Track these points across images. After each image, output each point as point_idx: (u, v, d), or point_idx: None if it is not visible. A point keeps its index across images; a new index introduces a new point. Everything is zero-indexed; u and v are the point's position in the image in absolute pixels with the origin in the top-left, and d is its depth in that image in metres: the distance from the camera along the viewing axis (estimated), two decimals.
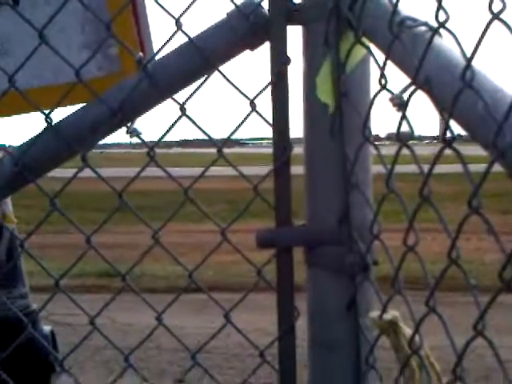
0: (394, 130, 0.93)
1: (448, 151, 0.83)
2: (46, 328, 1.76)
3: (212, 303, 1.31)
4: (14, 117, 1.45)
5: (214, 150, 1.22)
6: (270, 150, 1.19)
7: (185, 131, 1.22)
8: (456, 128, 0.84)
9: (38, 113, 1.24)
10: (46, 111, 1.22)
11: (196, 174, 1.29)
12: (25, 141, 1.26)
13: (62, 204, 1.27)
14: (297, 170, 1.17)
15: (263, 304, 5.53)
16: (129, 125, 1.23)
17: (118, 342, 1.40)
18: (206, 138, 1.23)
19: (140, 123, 1.26)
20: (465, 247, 9.06)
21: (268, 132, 1.16)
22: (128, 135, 1.24)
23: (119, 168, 18.03)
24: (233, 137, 1.26)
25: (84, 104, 1.25)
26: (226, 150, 1.24)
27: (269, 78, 1.15)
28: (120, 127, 1.23)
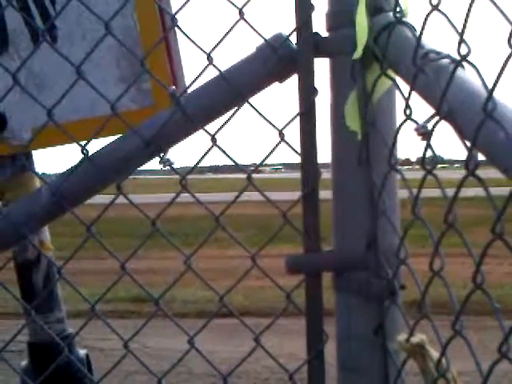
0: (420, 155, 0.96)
1: None
2: (81, 352, 1.79)
3: (242, 328, 1.34)
4: (53, 148, 1.51)
5: (244, 176, 1.26)
6: (291, 175, 1.22)
7: (217, 158, 1.26)
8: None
9: (75, 144, 1.29)
10: (83, 143, 1.27)
11: (227, 199, 1.31)
12: (62, 171, 1.31)
13: (94, 230, 1.31)
14: (324, 194, 1.21)
15: (291, 329, 5.52)
16: (162, 155, 1.27)
17: (149, 366, 1.43)
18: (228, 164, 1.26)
19: (172, 153, 1.30)
20: (497, 271, 8.96)
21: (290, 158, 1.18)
22: (161, 165, 1.28)
23: (151, 194, 18.14)
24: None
25: (119, 136, 1.29)
26: (255, 176, 1.27)
27: (297, 109, 1.19)
28: (153, 157, 1.27)
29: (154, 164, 1.29)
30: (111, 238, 10.41)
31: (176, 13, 1.22)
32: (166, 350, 6.00)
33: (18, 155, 1.59)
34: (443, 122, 0.93)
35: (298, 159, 1.20)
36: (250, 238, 10.76)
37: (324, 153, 1.20)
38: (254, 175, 1.28)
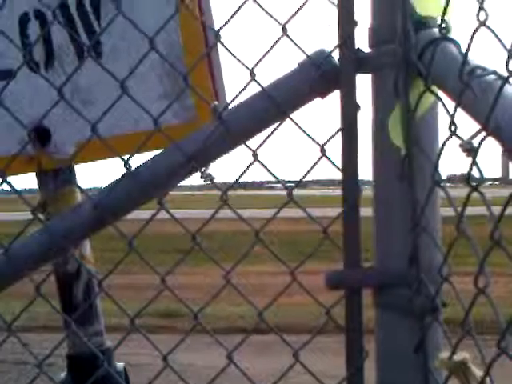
0: (463, 172, 0.96)
1: None
2: (119, 365, 1.80)
3: (272, 345, 1.34)
4: (95, 163, 1.52)
5: (273, 192, 1.26)
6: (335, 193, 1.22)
7: (248, 174, 1.27)
8: None
9: (118, 159, 1.30)
10: (125, 157, 1.28)
11: (261, 215, 1.32)
12: (105, 185, 1.32)
13: (122, 245, 1.32)
14: (366, 212, 1.20)
15: (322, 346, 5.49)
16: (203, 170, 1.28)
17: (177, 382, 1.41)
18: (267, 180, 1.27)
19: (213, 168, 1.31)
20: None
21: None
22: (202, 180, 1.30)
23: (186, 210, 18.21)
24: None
25: (161, 150, 1.30)
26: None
27: (339, 124, 1.19)
28: (194, 172, 1.28)
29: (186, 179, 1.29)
30: (143, 253, 10.45)
31: (219, 29, 1.23)
32: (195, 365, 6.00)
33: (62, 169, 1.62)
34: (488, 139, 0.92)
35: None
36: (282, 255, 10.72)
37: (365, 170, 1.20)
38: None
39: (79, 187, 1.56)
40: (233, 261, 1.31)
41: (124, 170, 1.29)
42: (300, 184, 1.33)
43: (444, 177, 1.07)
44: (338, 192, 1.22)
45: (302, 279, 1.29)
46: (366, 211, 1.21)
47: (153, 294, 1.37)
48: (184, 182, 1.30)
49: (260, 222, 1.29)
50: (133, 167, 1.29)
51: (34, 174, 1.73)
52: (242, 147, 1.26)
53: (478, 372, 1.04)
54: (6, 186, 1.38)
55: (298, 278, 1.29)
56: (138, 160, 1.31)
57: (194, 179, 1.31)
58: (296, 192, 1.28)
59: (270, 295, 1.28)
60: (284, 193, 1.26)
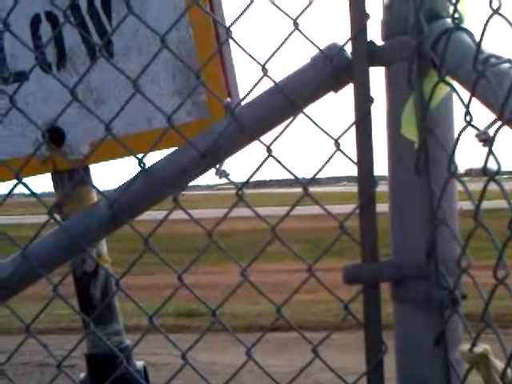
0: (480, 165, 0.95)
1: None
2: (139, 363, 1.81)
3: (292, 342, 1.33)
4: (110, 162, 1.52)
5: (283, 190, 1.25)
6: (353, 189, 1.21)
7: (259, 172, 1.26)
8: None
9: (132, 157, 1.30)
10: (140, 156, 1.28)
11: (270, 213, 1.31)
12: (119, 184, 1.32)
13: (140, 246, 1.31)
14: (381, 207, 1.20)
15: (341, 343, 5.48)
16: (217, 167, 1.28)
17: (198, 381, 1.41)
18: (279, 178, 1.26)
19: (228, 164, 1.30)
20: None
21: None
22: (217, 176, 1.29)
23: (199, 210, 18.23)
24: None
25: (175, 148, 1.30)
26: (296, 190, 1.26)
27: (353, 118, 1.18)
28: (209, 169, 1.28)
29: (199, 179, 1.29)
30: (159, 253, 10.48)
31: (231, 25, 1.22)
32: (217, 363, 6.01)
33: (76, 169, 1.62)
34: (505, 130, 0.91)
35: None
36: (299, 252, 10.73)
37: (381, 165, 1.20)
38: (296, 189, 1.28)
39: (95, 187, 1.56)
40: (250, 259, 1.31)
41: (138, 169, 1.29)
42: (315, 180, 1.32)
43: (461, 171, 1.06)
44: (355, 188, 1.21)
45: (321, 276, 1.29)
46: (382, 207, 1.20)
47: (169, 294, 1.36)
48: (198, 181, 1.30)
49: (276, 220, 1.29)
50: (147, 166, 1.29)
51: (50, 175, 1.74)
52: (255, 144, 1.26)
53: (500, 364, 1.03)
54: (24, 189, 1.39)
55: (317, 275, 1.28)
56: (153, 158, 1.31)
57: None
58: (312, 189, 1.27)
59: (288, 292, 1.27)
60: (300, 190, 1.25)
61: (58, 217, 1.48)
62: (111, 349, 1.59)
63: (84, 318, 1.75)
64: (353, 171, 1.20)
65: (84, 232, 1.33)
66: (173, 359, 5.62)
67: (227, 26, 1.23)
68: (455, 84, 1.05)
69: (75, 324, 7.24)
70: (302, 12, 1.20)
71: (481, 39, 0.95)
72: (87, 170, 1.69)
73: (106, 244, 1.84)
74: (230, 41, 1.24)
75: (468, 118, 0.98)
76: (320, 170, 1.27)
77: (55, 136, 1.60)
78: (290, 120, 1.24)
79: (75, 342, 1.44)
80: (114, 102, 1.44)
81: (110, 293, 1.78)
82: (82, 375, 1.86)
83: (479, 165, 0.94)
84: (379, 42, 1.17)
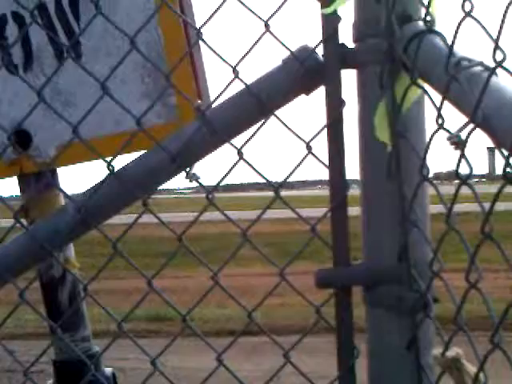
0: (452, 169, 0.94)
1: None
2: (108, 370, 1.78)
3: (260, 347, 1.32)
4: (77, 165, 1.50)
5: (255, 194, 1.24)
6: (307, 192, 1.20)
7: (233, 175, 1.25)
8: None
9: (101, 160, 1.28)
10: (108, 159, 1.26)
11: (246, 217, 1.30)
12: (87, 188, 1.30)
13: (109, 251, 1.29)
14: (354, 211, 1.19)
15: (312, 347, 5.47)
16: (188, 170, 1.26)
17: None
18: (249, 182, 1.25)
19: (198, 168, 1.29)
20: None
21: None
22: (187, 180, 1.28)
23: (170, 213, 18.15)
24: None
25: (144, 151, 1.28)
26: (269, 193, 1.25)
27: (324, 121, 1.18)
28: (179, 172, 1.26)
29: (169, 183, 1.28)
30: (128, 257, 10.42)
31: (201, 26, 1.21)
32: (184, 368, 5.98)
33: (43, 172, 1.59)
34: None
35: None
36: (270, 256, 10.73)
37: (352, 169, 1.19)
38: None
39: (62, 191, 1.53)
40: (220, 263, 1.30)
41: (107, 172, 1.26)
42: (287, 183, 1.31)
43: (431, 174, 1.06)
44: (327, 192, 1.20)
45: (292, 280, 1.28)
46: (354, 210, 1.19)
47: (138, 298, 1.35)
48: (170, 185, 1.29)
49: (247, 224, 1.28)
50: (116, 169, 1.27)
51: (16, 178, 1.71)
52: (226, 146, 1.24)
53: (472, 368, 1.03)
54: None
55: (288, 279, 1.27)
56: (121, 161, 1.29)
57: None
58: (283, 193, 1.27)
59: (259, 297, 1.26)
60: (271, 193, 1.24)
61: (24, 221, 1.45)
62: (79, 355, 1.57)
63: (51, 324, 1.72)
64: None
65: (51, 236, 1.30)
66: (142, 364, 5.57)
67: (198, 27, 1.22)
68: (427, 87, 1.05)
69: (43, 329, 7.15)
70: (274, 14, 1.19)
71: (453, 42, 0.95)
72: (54, 174, 1.66)
73: (74, 248, 1.82)
74: (201, 42, 1.22)
75: (440, 121, 0.98)
76: (291, 173, 1.26)
77: (22, 138, 1.57)
78: (261, 123, 1.23)
79: (43, 348, 1.41)
80: (82, 104, 1.42)
81: (77, 298, 1.76)
82: (50, 382, 1.83)
83: (449, 168, 0.93)
84: (351, 45, 1.17)
